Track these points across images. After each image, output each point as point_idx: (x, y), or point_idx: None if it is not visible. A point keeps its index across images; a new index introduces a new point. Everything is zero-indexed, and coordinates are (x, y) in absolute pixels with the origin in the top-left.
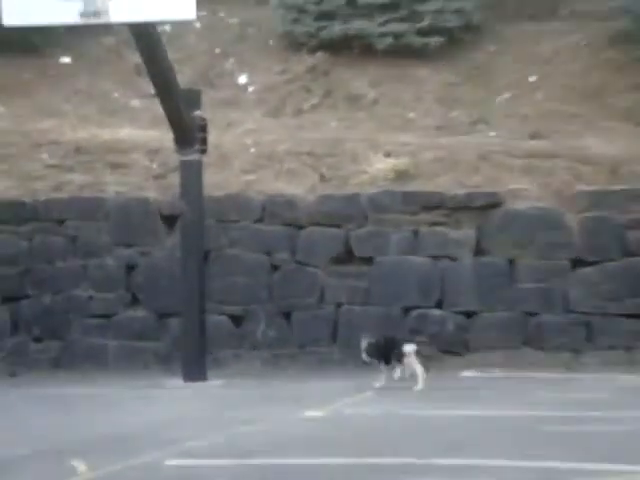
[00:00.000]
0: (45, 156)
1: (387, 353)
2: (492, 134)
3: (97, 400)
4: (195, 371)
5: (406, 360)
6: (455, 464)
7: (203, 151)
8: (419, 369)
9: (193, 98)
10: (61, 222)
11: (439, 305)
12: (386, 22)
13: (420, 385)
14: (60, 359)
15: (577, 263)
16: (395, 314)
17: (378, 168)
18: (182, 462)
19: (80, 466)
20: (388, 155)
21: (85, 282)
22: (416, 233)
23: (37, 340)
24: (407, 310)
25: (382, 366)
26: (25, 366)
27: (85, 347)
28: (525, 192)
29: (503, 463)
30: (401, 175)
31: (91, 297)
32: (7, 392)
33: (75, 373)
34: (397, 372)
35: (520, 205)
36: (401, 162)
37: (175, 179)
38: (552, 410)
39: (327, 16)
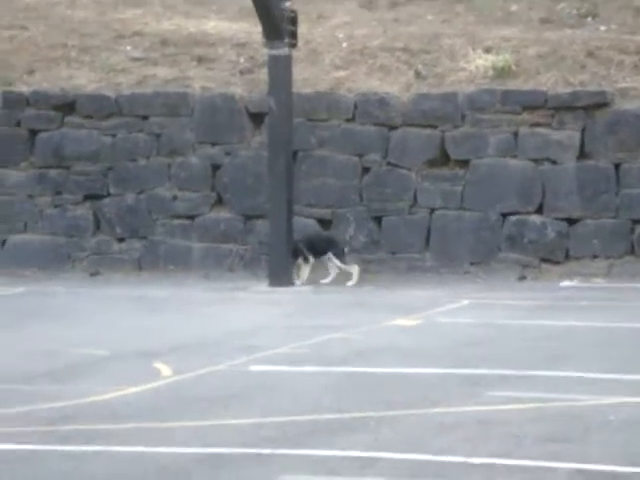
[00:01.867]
0: (129, 48)
1: (318, 250)
2: (602, 28)
3: (181, 303)
4: (281, 275)
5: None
6: (552, 375)
7: (292, 45)
8: (355, 267)
9: None
10: (145, 118)
11: (539, 211)
12: None
13: (354, 280)
14: (143, 260)
15: None
16: (492, 220)
17: (477, 65)
18: (267, 368)
19: (164, 369)
20: (488, 51)
21: (169, 181)
22: (516, 134)
23: (120, 240)
24: (505, 216)
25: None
26: (108, 266)
27: (169, 248)
28: (635, 91)
29: (601, 376)
30: (501, 72)
31: (175, 197)
32: (90, 293)
33: (158, 274)
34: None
35: (629, 105)
36: (502, 58)
37: (263, 75)
38: None
39: None
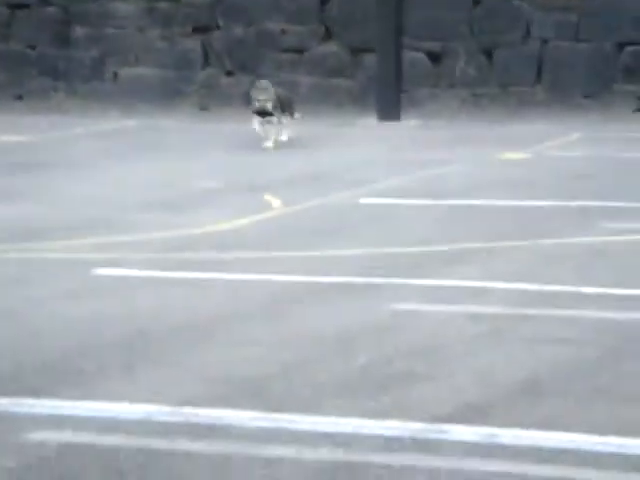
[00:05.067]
0: None
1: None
2: None
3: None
4: (390, 110)
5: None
6: None
7: None
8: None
9: None
10: None
11: None
12: None
13: (271, 144)
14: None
15: None
16: (607, 50)
17: None
18: (377, 201)
19: (274, 201)
20: None
21: (277, 14)
22: None
23: (228, 74)
24: (621, 46)
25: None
26: (216, 100)
27: (276, 83)
28: None
29: None
30: None
31: (283, 30)
32: (199, 127)
33: None
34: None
35: None
36: None
37: None
38: None
39: None
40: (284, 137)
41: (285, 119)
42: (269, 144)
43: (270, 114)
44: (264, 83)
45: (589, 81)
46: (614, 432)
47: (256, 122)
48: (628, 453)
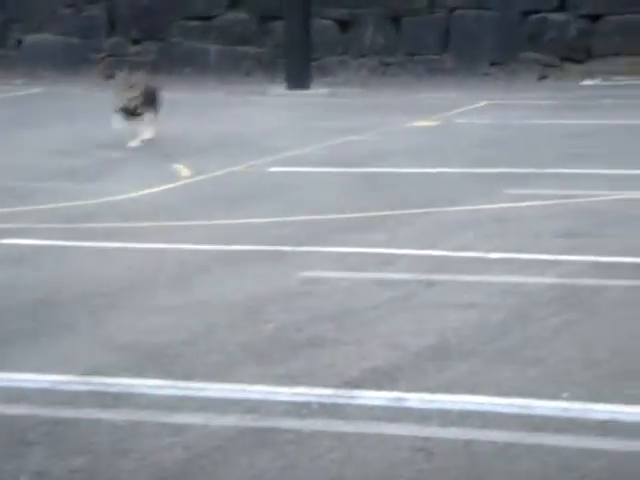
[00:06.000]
0: None
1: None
2: None
3: (199, 106)
4: (299, 78)
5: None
6: (573, 173)
7: None
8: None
9: None
10: None
11: (561, 8)
12: None
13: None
14: (159, 62)
15: None
16: (512, 19)
17: None
18: (286, 169)
19: (182, 170)
20: None
21: None
22: None
23: (135, 42)
24: (526, 14)
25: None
26: (122, 68)
27: (184, 50)
28: None
29: (623, 172)
30: None
31: None
32: (105, 95)
33: (174, 77)
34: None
35: None
36: None
37: None
38: None
39: None
40: (148, 135)
41: (151, 115)
42: (135, 143)
43: (137, 114)
44: (135, 78)
45: (495, 49)
46: (518, 394)
47: (117, 120)
48: (532, 414)
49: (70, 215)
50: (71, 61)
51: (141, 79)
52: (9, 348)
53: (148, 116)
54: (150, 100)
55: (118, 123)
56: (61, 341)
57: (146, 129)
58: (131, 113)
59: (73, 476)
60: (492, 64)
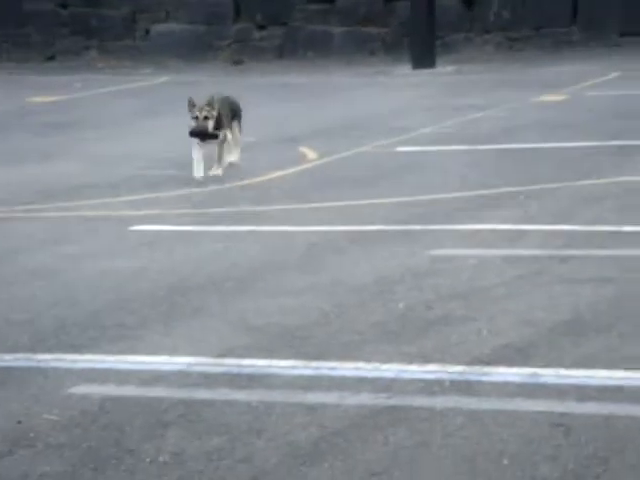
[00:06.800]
0: None
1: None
2: None
3: (323, 88)
4: (424, 57)
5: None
6: None
7: None
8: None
9: None
10: None
11: None
12: None
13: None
14: (284, 47)
15: None
16: None
17: None
18: (413, 148)
19: (309, 153)
20: None
21: None
22: None
23: (260, 27)
24: None
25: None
26: (249, 54)
27: (308, 34)
28: None
29: None
30: None
31: None
32: (233, 80)
33: (299, 61)
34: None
35: None
36: None
37: None
38: None
39: None
40: (233, 157)
41: (228, 133)
42: (218, 171)
43: (212, 136)
44: (211, 99)
45: (625, 20)
46: None
47: (195, 149)
48: None
49: (201, 201)
50: (197, 49)
51: (216, 99)
52: (145, 331)
53: (228, 136)
54: (226, 118)
55: (199, 172)
56: (194, 324)
57: (231, 152)
58: (204, 135)
59: (209, 456)
60: (622, 35)
